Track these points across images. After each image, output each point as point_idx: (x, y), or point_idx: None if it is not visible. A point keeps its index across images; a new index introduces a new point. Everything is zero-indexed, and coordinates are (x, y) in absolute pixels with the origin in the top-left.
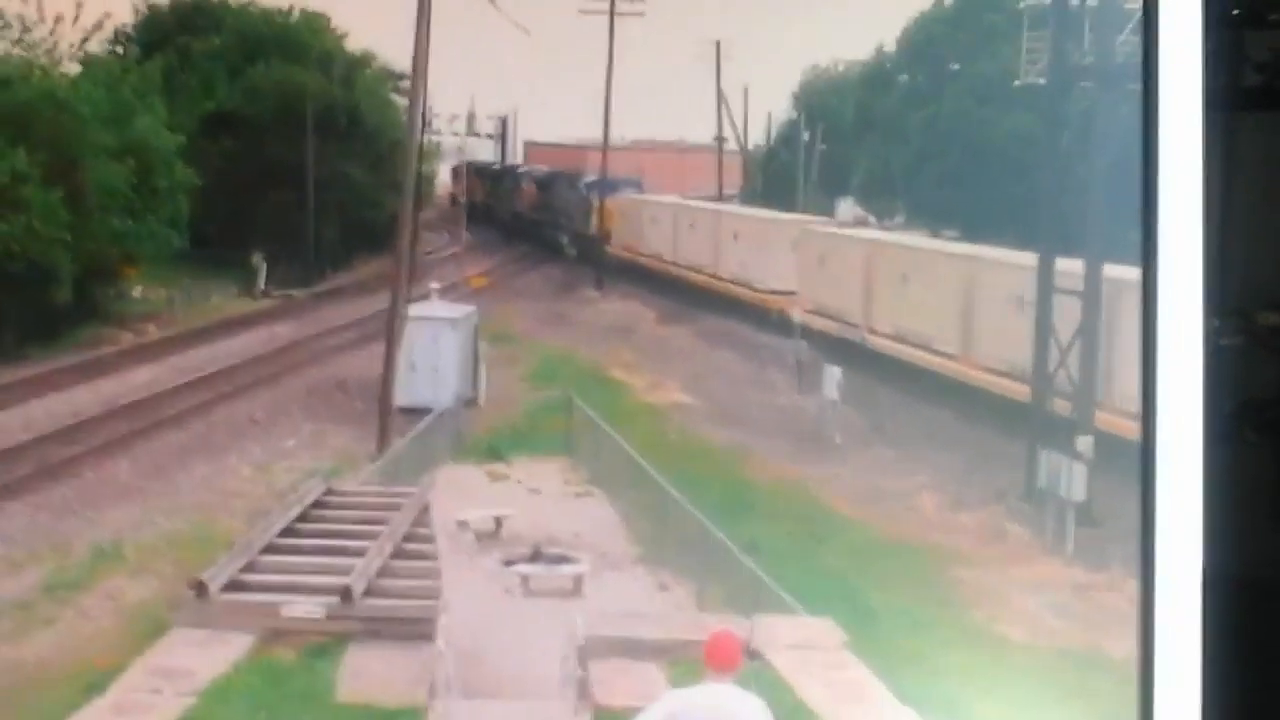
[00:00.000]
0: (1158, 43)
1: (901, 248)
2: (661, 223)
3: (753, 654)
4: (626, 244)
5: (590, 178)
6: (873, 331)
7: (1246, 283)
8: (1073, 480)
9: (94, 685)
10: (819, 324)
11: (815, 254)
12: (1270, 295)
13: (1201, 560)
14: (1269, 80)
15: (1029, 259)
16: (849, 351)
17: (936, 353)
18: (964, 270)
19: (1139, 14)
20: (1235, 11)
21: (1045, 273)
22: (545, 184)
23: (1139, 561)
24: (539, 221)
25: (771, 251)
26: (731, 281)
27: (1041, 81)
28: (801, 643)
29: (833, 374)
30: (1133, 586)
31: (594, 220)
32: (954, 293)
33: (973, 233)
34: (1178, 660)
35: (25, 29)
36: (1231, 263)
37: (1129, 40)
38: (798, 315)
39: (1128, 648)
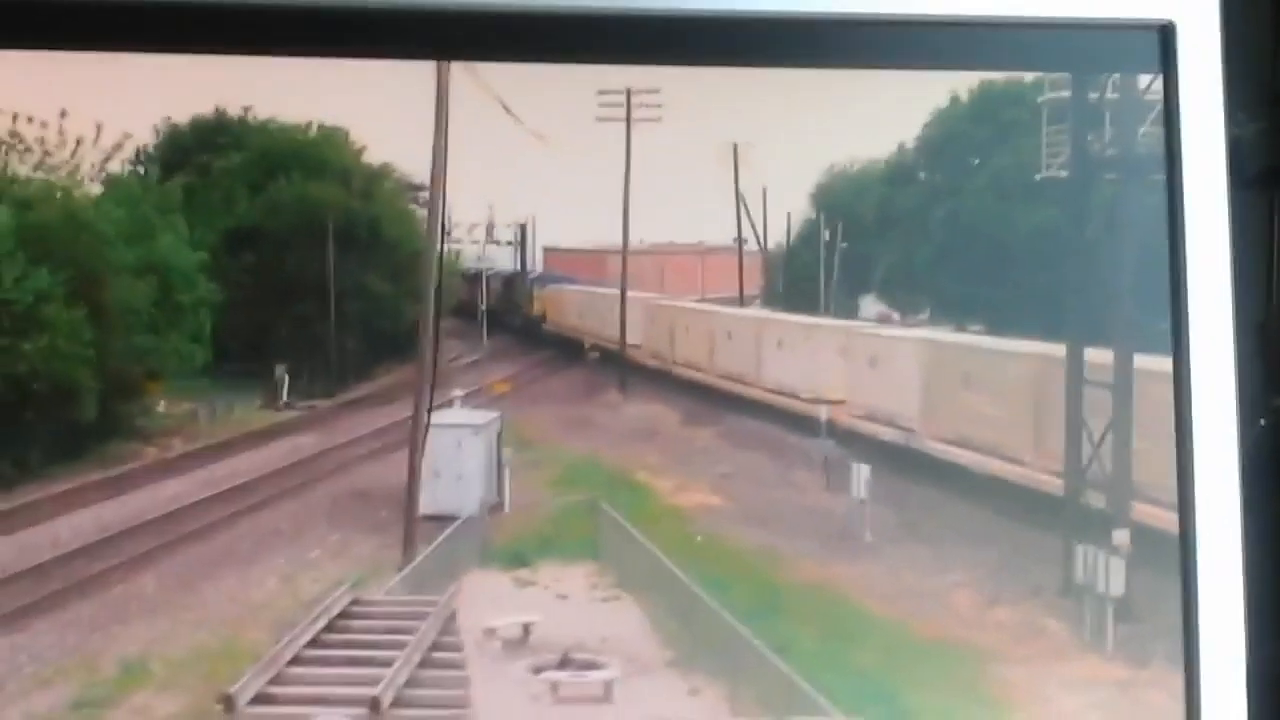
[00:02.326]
0: (1180, 132)
1: (666, 305)
2: (575, 303)
3: None
4: (556, 322)
5: (534, 274)
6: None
7: None
8: (1110, 575)
9: None
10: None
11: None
12: None
13: (1246, 655)
14: None
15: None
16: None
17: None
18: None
19: (1159, 105)
20: None
21: (1074, 364)
22: (507, 282)
23: (1183, 657)
24: (502, 310)
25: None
26: (610, 340)
27: (1063, 174)
28: None
29: (861, 472)
30: (1177, 682)
31: (536, 306)
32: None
33: (999, 326)
34: None
35: (46, 152)
36: None
37: (1150, 131)
38: (824, 414)
39: None
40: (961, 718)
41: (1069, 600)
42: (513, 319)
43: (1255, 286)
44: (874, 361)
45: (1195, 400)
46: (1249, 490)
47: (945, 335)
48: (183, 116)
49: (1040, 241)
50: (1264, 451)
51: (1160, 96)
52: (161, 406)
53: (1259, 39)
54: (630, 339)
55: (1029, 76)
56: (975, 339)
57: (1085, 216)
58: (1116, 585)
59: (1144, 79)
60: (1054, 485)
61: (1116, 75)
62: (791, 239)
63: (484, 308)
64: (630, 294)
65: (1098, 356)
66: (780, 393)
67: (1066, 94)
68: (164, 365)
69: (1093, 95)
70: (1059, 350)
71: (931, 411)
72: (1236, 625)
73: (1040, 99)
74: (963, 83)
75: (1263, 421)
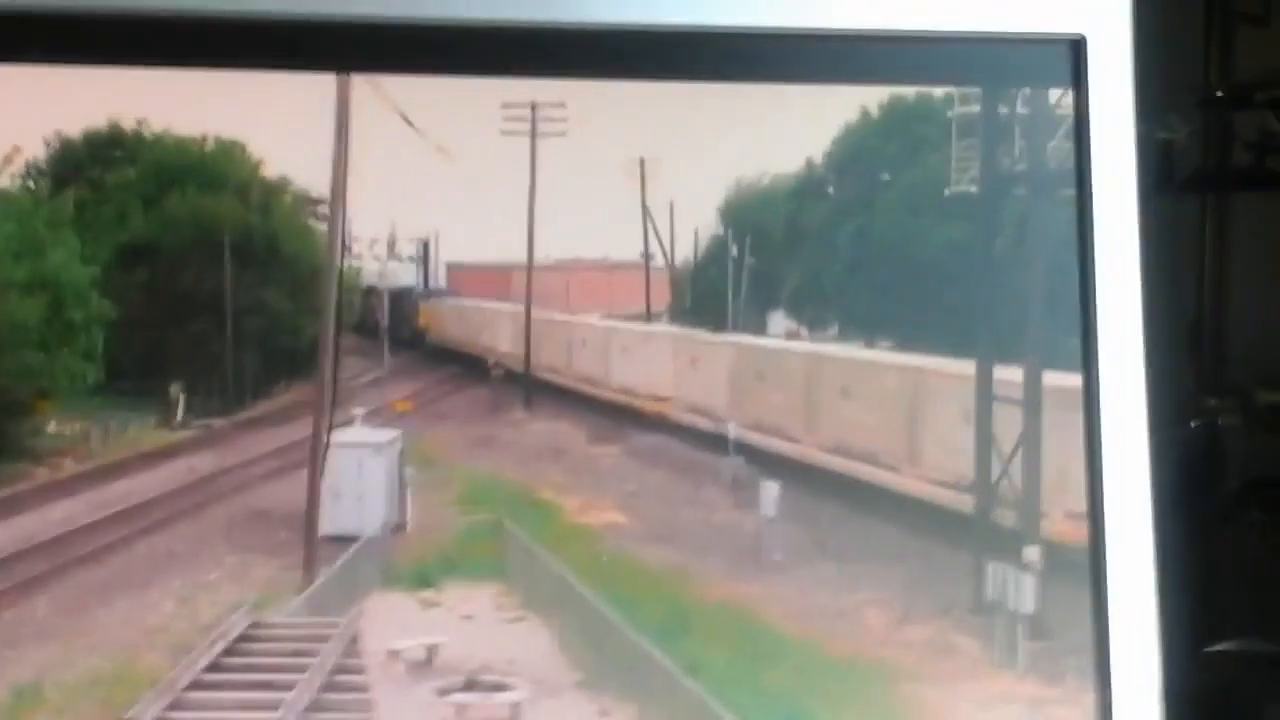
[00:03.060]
0: (1089, 147)
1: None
2: (457, 318)
3: None
4: (438, 336)
5: (419, 290)
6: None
7: (1245, 362)
8: (1021, 592)
9: None
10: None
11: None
12: (1269, 373)
13: (1160, 669)
14: (1258, 159)
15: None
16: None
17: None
18: None
19: (1070, 119)
20: (1219, 94)
21: (984, 381)
22: (395, 297)
23: (1094, 674)
24: (393, 325)
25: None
26: (492, 353)
27: (973, 190)
28: None
29: (770, 489)
30: (1089, 700)
31: (421, 320)
32: None
33: (908, 342)
34: None
35: None
36: (1228, 342)
37: (1061, 145)
38: (733, 431)
39: None
40: None
41: (980, 618)
42: (400, 334)
43: (1187, 288)
44: (694, 363)
45: (1105, 412)
46: (1180, 492)
47: (748, 340)
48: (75, 129)
49: (950, 257)
50: (1197, 452)
51: (1070, 111)
52: (52, 426)
53: (1189, 43)
54: (503, 349)
55: (939, 91)
56: (768, 342)
57: (995, 231)
58: (1027, 602)
59: (1054, 93)
60: (956, 500)
61: (1027, 90)
62: (699, 254)
63: (385, 324)
64: (503, 308)
65: (1007, 373)
66: (624, 392)
67: (976, 108)
68: (55, 384)
69: (1003, 110)
70: (832, 349)
71: (736, 403)
72: (1150, 640)
73: (950, 113)
74: (872, 97)
75: (1194, 423)
